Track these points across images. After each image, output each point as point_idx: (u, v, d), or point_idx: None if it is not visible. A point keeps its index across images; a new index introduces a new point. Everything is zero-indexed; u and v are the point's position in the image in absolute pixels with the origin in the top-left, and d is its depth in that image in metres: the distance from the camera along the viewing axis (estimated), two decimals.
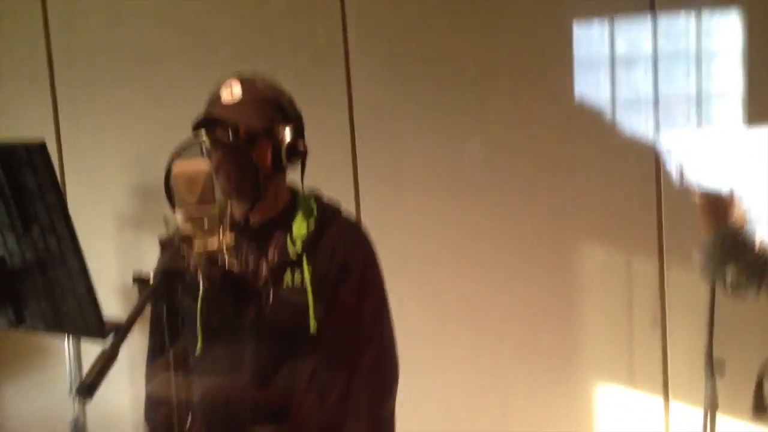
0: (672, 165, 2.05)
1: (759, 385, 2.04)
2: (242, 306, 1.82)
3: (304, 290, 1.83)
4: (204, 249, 1.50)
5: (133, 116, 3.08)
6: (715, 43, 3.04)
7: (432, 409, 3.06)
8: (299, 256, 1.85)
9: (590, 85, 3.08)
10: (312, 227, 1.87)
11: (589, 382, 3.13)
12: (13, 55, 3.11)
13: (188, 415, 1.73)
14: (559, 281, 3.11)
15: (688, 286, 2.92)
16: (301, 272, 1.84)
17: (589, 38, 3.07)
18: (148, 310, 1.80)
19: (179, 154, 1.68)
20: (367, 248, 1.95)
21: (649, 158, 2.99)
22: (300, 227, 1.87)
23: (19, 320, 1.64)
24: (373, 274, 1.95)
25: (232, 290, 1.65)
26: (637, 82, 3.07)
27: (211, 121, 1.79)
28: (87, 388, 1.22)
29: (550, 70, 3.07)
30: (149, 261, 1.47)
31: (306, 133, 1.91)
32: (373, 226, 2.00)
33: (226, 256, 1.54)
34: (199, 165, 1.57)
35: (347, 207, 2.01)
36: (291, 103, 1.89)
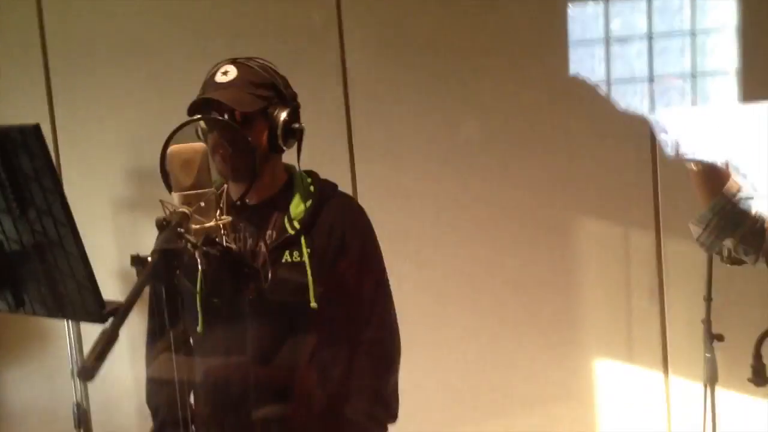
0: (667, 140, 2.05)
1: (757, 356, 2.05)
2: (242, 285, 1.83)
3: (304, 268, 1.84)
4: (201, 229, 1.51)
5: (128, 101, 3.07)
6: (709, 21, 3.04)
7: (431, 386, 3.08)
8: (297, 234, 1.86)
9: (585, 63, 3.08)
10: (310, 205, 1.89)
11: (589, 357, 3.15)
12: (7, 42, 3.09)
13: (190, 395, 1.74)
14: (557, 257, 3.12)
15: (686, 259, 2.94)
16: (300, 250, 1.85)
17: (584, 17, 3.07)
18: (146, 293, 1.81)
19: (174, 136, 1.68)
20: (365, 225, 1.97)
21: (645, 133, 3.00)
22: (297, 206, 1.89)
23: (18, 304, 1.65)
24: (371, 249, 1.97)
25: (231, 270, 1.66)
26: (631, 59, 3.07)
27: (207, 103, 1.79)
28: (88, 369, 1.22)
29: (546, 48, 3.07)
30: (147, 244, 1.47)
31: (301, 115, 1.91)
32: (370, 206, 2.01)
33: (224, 236, 1.55)
34: (194, 147, 1.57)
35: (344, 187, 2.02)
36: (286, 84, 1.89)
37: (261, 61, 1.87)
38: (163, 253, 1.38)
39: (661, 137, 2.06)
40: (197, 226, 1.51)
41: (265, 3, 3.08)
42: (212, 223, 1.53)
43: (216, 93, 1.79)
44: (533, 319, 3.12)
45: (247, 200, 1.86)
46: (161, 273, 1.39)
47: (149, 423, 1.96)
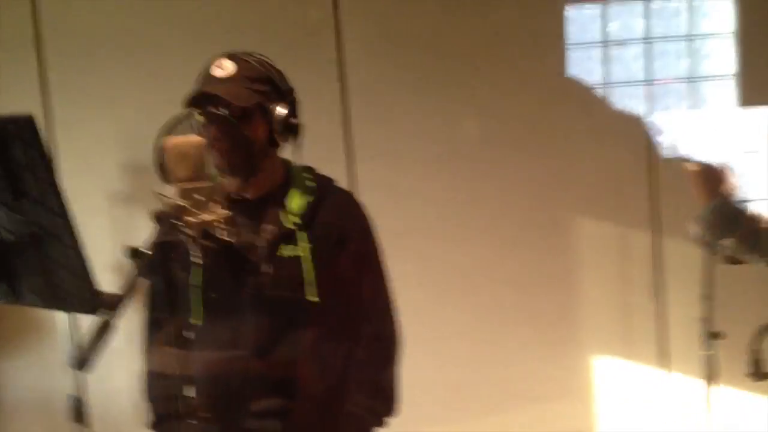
0: (664, 141, 2.06)
1: (754, 350, 2.05)
2: (240, 279, 1.83)
3: (302, 262, 1.84)
4: (199, 222, 1.50)
5: (124, 95, 3.07)
6: (707, 26, 3.05)
7: (429, 382, 3.08)
8: (296, 229, 1.86)
9: (583, 65, 3.09)
10: (310, 199, 1.89)
11: (587, 355, 3.15)
12: (3, 35, 3.09)
13: (187, 390, 1.74)
14: (556, 256, 3.13)
15: (685, 257, 2.94)
16: (299, 244, 1.85)
17: (583, 19, 3.07)
18: (143, 286, 1.81)
19: (170, 130, 1.68)
20: (364, 218, 1.98)
21: (642, 134, 3.00)
22: (295, 200, 1.89)
23: (14, 295, 1.64)
24: (370, 243, 1.97)
25: (229, 263, 1.66)
26: (629, 62, 3.08)
27: (205, 97, 1.79)
28: (83, 360, 1.22)
29: (544, 49, 3.08)
30: (142, 238, 1.47)
31: (299, 110, 1.91)
32: (367, 203, 2.01)
33: (222, 230, 1.55)
34: (191, 140, 1.58)
35: (341, 183, 2.02)
36: (283, 79, 1.89)
37: (258, 56, 1.87)
38: (158, 245, 1.38)
39: (658, 138, 2.07)
40: (194, 220, 1.51)
41: None
42: (209, 217, 1.53)
43: (213, 87, 1.79)
44: (532, 316, 3.13)
45: (244, 195, 1.86)
46: (157, 265, 1.39)
47: (146, 416, 1.96)
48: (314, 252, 1.85)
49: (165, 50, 3.04)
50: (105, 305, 1.47)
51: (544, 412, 3.14)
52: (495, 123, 3.09)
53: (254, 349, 1.87)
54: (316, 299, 1.84)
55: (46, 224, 1.48)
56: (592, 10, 3.07)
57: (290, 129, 1.86)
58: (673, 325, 3.10)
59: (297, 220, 1.87)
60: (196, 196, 1.51)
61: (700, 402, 2.50)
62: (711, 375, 2.45)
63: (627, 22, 3.07)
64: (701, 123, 2.02)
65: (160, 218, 1.49)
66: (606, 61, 3.08)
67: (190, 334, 1.90)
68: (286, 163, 1.95)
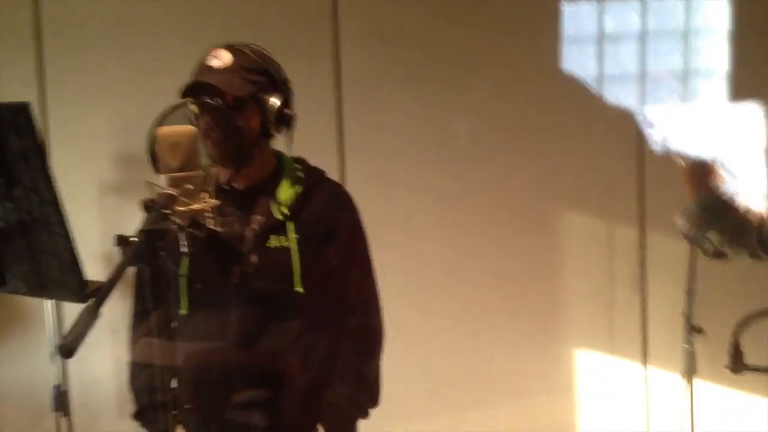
0: (654, 135, 2.08)
1: (735, 342, 2.09)
2: (227, 268, 1.84)
3: (290, 253, 1.85)
4: (187, 211, 1.51)
5: (120, 85, 3.05)
6: (701, 22, 3.08)
7: (413, 374, 3.10)
8: (285, 220, 1.87)
9: (577, 60, 3.10)
10: (299, 190, 1.89)
11: (570, 348, 3.18)
12: (0, 23, 3.07)
13: (173, 379, 1.74)
14: (541, 249, 3.15)
15: (669, 252, 2.98)
16: (287, 235, 1.86)
17: (578, 14, 3.09)
18: (130, 275, 1.81)
19: (164, 118, 1.69)
20: (353, 211, 1.98)
21: (632, 129, 3.03)
22: (286, 191, 1.90)
23: (0, 281, 1.64)
24: (358, 236, 1.98)
25: (216, 252, 1.66)
26: (623, 57, 3.10)
27: (200, 87, 1.80)
28: (67, 347, 1.22)
29: (538, 45, 3.09)
30: (132, 228, 1.47)
31: (293, 102, 1.91)
32: (358, 196, 2.02)
33: (211, 219, 1.55)
34: (183, 129, 1.57)
35: (332, 177, 2.03)
36: (279, 70, 1.90)
37: (255, 47, 1.88)
38: (147, 233, 1.39)
39: (649, 132, 2.09)
40: (183, 209, 1.51)
41: None
42: (198, 206, 1.53)
43: (208, 77, 1.79)
44: (516, 309, 3.15)
45: (235, 185, 1.87)
46: (145, 254, 1.39)
47: (129, 406, 1.96)
48: (302, 243, 1.86)
49: (160, 42, 3.03)
50: (92, 294, 1.47)
51: (527, 405, 3.17)
52: (486, 117, 3.10)
53: (239, 339, 1.87)
54: (302, 290, 1.85)
55: (37, 212, 1.48)
56: (586, 6, 3.09)
57: (284, 120, 1.86)
58: (655, 320, 3.13)
59: (286, 210, 1.87)
60: (186, 185, 1.51)
61: (681, 396, 2.53)
62: (691, 369, 2.48)
63: (622, 17, 3.08)
64: (692, 117, 2.05)
65: (149, 206, 1.49)
66: (600, 56, 3.09)
67: (176, 324, 1.91)
68: (278, 154, 1.96)
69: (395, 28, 3.07)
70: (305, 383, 1.91)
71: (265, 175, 1.92)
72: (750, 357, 2.13)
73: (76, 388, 2.96)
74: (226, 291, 1.85)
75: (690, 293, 2.48)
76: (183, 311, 1.87)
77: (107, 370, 2.99)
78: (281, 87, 1.88)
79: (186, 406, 1.87)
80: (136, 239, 1.41)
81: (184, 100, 1.79)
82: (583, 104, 3.10)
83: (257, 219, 1.87)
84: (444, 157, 3.10)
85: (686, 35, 3.07)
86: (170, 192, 1.50)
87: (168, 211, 1.47)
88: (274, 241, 1.86)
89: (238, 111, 1.80)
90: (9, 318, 3.12)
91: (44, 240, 1.54)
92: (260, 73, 1.84)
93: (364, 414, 1.96)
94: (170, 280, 1.79)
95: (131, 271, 1.56)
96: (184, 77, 1.83)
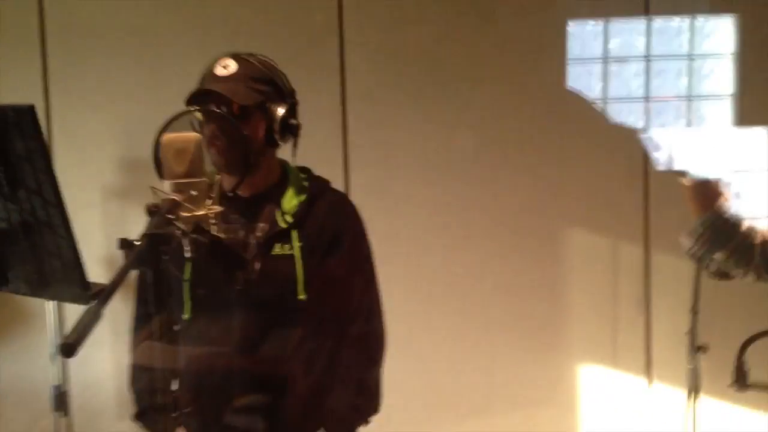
0: (659, 156, 2.08)
1: (740, 361, 2.08)
2: (230, 275, 1.84)
3: (293, 261, 1.85)
4: (191, 217, 1.51)
5: (124, 90, 3.07)
6: (707, 46, 3.08)
7: (415, 384, 3.09)
8: (289, 228, 1.87)
9: (582, 80, 3.11)
10: (304, 199, 1.90)
11: (573, 364, 3.17)
12: (5, 26, 3.09)
13: (173, 383, 1.74)
14: (547, 265, 3.14)
15: (673, 270, 2.97)
16: (291, 243, 1.86)
17: (584, 35, 3.10)
18: (133, 278, 1.81)
19: (170, 125, 1.69)
20: (357, 221, 1.99)
21: (638, 149, 3.03)
22: (290, 200, 1.90)
23: (2, 282, 1.65)
24: (362, 245, 1.98)
25: (219, 259, 1.66)
26: (629, 79, 3.11)
27: (206, 95, 1.80)
28: (69, 346, 1.21)
29: (544, 63, 3.10)
30: (135, 232, 1.47)
31: (299, 112, 1.92)
32: (362, 207, 2.02)
33: (214, 226, 1.55)
34: (188, 136, 1.58)
35: (336, 188, 2.03)
36: (285, 80, 1.90)
37: (261, 57, 1.89)
38: (151, 237, 1.38)
39: (654, 154, 2.09)
40: (187, 214, 1.51)
41: (267, 0, 3.09)
42: (202, 212, 1.53)
43: (215, 85, 1.80)
44: (520, 324, 3.14)
45: (239, 192, 1.87)
46: (148, 257, 1.39)
47: (129, 407, 1.96)
48: (305, 251, 1.86)
49: (167, 50, 3.04)
50: (94, 295, 1.47)
51: (529, 419, 3.16)
52: (490, 134, 3.10)
53: (241, 345, 1.87)
54: (305, 298, 1.85)
55: (40, 214, 1.49)
56: (593, 27, 3.09)
57: (289, 130, 1.87)
58: (659, 338, 3.12)
59: (290, 219, 1.88)
60: (190, 191, 1.51)
61: (684, 414, 2.52)
62: (695, 387, 2.47)
63: (628, 39, 3.09)
64: (697, 141, 2.05)
65: (153, 211, 1.49)
66: (606, 77, 3.10)
67: (178, 328, 1.91)
68: (282, 164, 1.96)
69: (400, 43, 3.08)
70: (306, 389, 1.91)
71: (269, 183, 1.92)
72: (754, 376, 2.12)
73: (76, 389, 2.96)
74: (229, 297, 1.85)
75: (694, 312, 2.47)
76: (186, 316, 1.87)
77: (107, 372, 2.99)
78: (287, 97, 1.88)
79: (186, 410, 1.87)
80: (139, 243, 1.41)
81: (189, 107, 1.79)
82: (587, 124, 3.10)
83: (261, 226, 1.87)
84: (447, 171, 3.11)
85: (691, 58, 3.07)
86: (174, 198, 1.50)
87: (172, 217, 1.47)
88: (278, 249, 1.86)
89: (243, 120, 1.81)
90: (10, 318, 3.13)
91: (47, 241, 1.55)
92: (266, 82, 1.85)
93: (365, 421, 1.96)
94: (173, 285, 1.79)
95: (134, 274, 1.57)
96: (189, 84, 1.84)
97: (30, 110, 1.41)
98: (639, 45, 3.08)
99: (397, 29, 3.08)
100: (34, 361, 3.05)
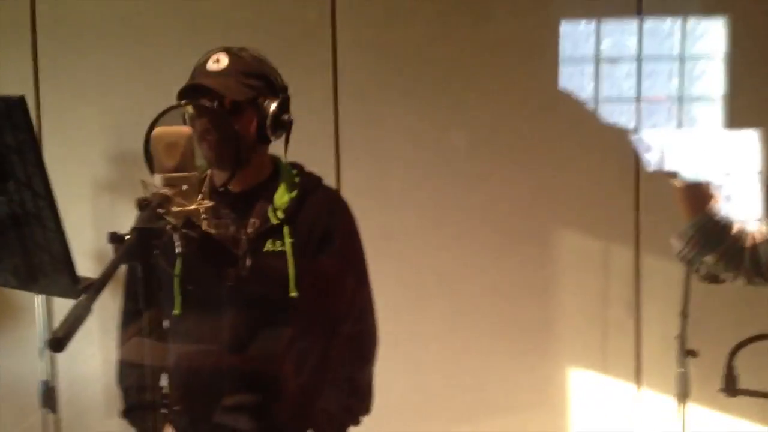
0: (650, 158, 2.09)
1: (729, 366, 2.08)
2: (220, 271, 1.83)
3: (285, 257, 1.84)
4: (182, 212, 1.50)
5: (115, 85, 3.07)
6: (697, 48, 3.10)
7: (405, 384, 3.09)
8: (281, 224, 1.86)
9: (574, 80, 3.12)
10: (295, 195, 1.89)
11: (562, 367, 3.17)
12: None
13: (161, 379, 1.73)
14: (537, 266, 3.15)
15: (664, 274, 2.98)
16: (283, 240, 1.85)
17: (576, 35, 3.11)
18: (123, 273, 1.80)
19: (161, 119, 1.68)
20: (349, 218, 1.98)
21: (629, 151, 3.03)
22: (282, 196, 1.89)
23: None
24: (354, 242, 1.98)
25: (210, 254, 1.65)
26: (620, 80, 3.12)
27: (197, 89, 1.79)
28: (57, 341, 1.21)
29: (536, 62, 3.10)
30: (124, 226, 1.47)
31: (291, 107, 1.91)
32: (353, 205, 2.01)
33: (205, 221, 1.55)
34: (180, 130, 1.57)
35: (328, 184, 2.02)
36: (277, 75, 1.90)
37: (254, 52, 1.88)
38: (141, 231, 1.38)
39: (645, 155, 2.10)
40: (178, 209, 1.50)
41: None
42: (193, 207, 1.52)
43: (207, 80, 1.79)
44: (510, 326, 3.14)
45: (230, 188, 1.86)
46: (138, 251, 1.38)
47: (117, 403, 1.95)
48: (297, 247, 1.85)
49: (158, 44, 3.04)
50: (84, 289, 1.46)
51: (517, 421, 3.16)
52: (483, 133, 3.11)
53: (231, 342, 1.86)
54: (297, 295, 1.84)
55: (30, 206, 1.48)
56: (586, 27, 3.10)
57: (281, 125, 1.86)
58: (649, 342, 3.13)
59: (282, 214, 1.87)
60: (181, 186, 1.51)
61: (673, 419, 2.52)
62: (684, 392, 2.47)
63: (620, 39, 3.10)
64: (688, 143, 2.06)
65: (143, 206, 1.49)
66: (597, 77, 3.11)
67: (168, 324, 1.90)
68: (274, 159, 1.96)
69: (393, 40, 3.08)
70: (297, 388, 1.90)
71: (261, 179, 1.92)
72: (744, 381, 2.12)
73: (64, 385, 2.95)
74: (220, 293, 1.85)
75: (684, 316, 2.48)
76: (176, 312, 1.86)
77: (96, 368, 2.98)
78: (279, 92, 1.88)
79: (175, 408, 1.87)
80: (129, 237, 1.40)
81: (181, 101, 1.79)
82: (579, 124, 3.11)
83: (252, 222, 1.87)
84: (439, 170, 3.11)
85: (683, 59, 3.08)
86: (165, 192, 1.49)
87: (162, 211, 1.46)
88: (269, 245, 1.85)
89: (235, 115, 1.80)
90: None
91: (36, 234, 1.53)
92: (258, 77, 1.84)
93: (356, 421, 1.95)
94: (163, 280, 1.79)
95: (123, 269, 1.56)
96: (181, 78, 1.83)
97: (20, 101, 1.40)
98: (631, 45, 3.09)
99: (389, 27, 3.08)
100: (22, 356, 3.04)
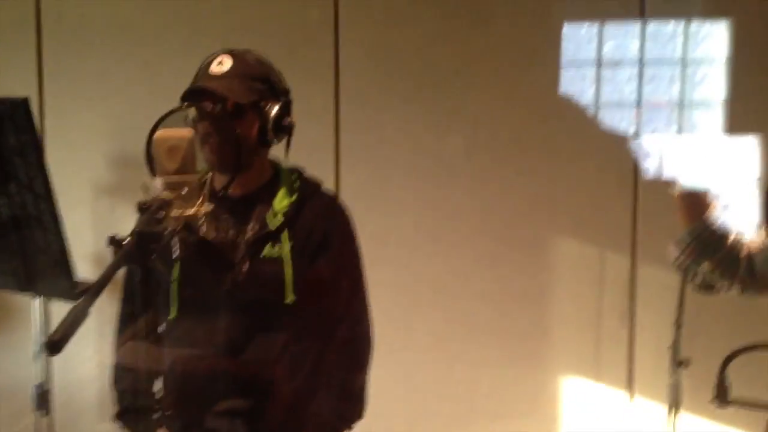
0: (649, 164, 2.09)
1: (721, 376, 2.09)
2: (218, 275, 1.83)
3: (282, 262, 1.84)
4: (181, 215, 1.51)
5: (118, 88, 3.06)
6: (700, 52, 3.10)
7: (398, 390, 3.09)
8: (279, 229, 1.86)
9: (575, 84, 3.11)
10: (294, 200, 1.89)
11: (555, 375, 3.17)
12: (1, 21, 3.08)
13: (156, 383, 1.74)
14: (532, 273, 3.15)
15: (659, 284, 2.98)
16: (280, 244, 1.85)
17: (577, 39, 3.11)
18: (120, 277, 1.80)
19: (163, 122, 1.68)
20: (347, 224, 1.98)
21: (628, 157, 3.04)
22: (281, 200, 1.89)
23: None
24: (351, 248, 1.98)
25: (208, 259, 1.66)
26: (621, 84, 3.11)
27: (200, 92, 1.80)
28: (54, 343, 1.21)
29: (537, 66, 3.10)
30: (124, 230, 1.47)
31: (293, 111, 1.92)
32: (351, 208, 2.02)
33: (204, 225, 1.55)
34: (181, 133, 1.57)
35: (326, 188, 2.03)
36: (280, 79, 1.90)
37: (257, 55, 1.88)
38: (140, 235, 1.38)
39: (644, 162, 2.11)
40: (177, 213, 1.51)
41: None
42: (192, 211, 1.53)
43: (210, 82, 1.79)
44: (504, 332, 3.14)
45: (230, 192, 1.86)
46: (137, 255, 1.39)
47: (111, 407, 1.95)
48: (295, 252, 1.86)
49: (161, 46, 3.04)
50: (82, 292, 1.46)
51: (510, 429, 3.15)
52: (482, 137, 3.11)
53: (226, 347, 1.86)
54: (293, 300, 1.84)
55: (30, 208, 1.48)
56: (588, 30, 3.10)
57: (283, 129, 1.87)
58: (642, 351, 3.13)
59: (280, 219, 1.87)
60: (181, 189, 1.51)
61: (665, 427, 2.53)
62: (676, 402, 2.48)
63: (622, 43, 3.10)
64: (688, 148, 2.06)
65: (143, 209, 1.49)
66: (598, 81, 3.11)
67: (163, 328, 1.90)
68: (274, 164, 1.96)
69: (395, 44, 3.08)
70: (290, 393, 1.90)
71: (261, 183, 1.92)
72: (735, 391, 2.13)
73: (59, 388, 2.94)
74: (217, 298, 1.85)
75: (678, 325, 2.48)
76: (172, 316, 1.86)
77: (90, 371, 2.97)
78: (281, 95, 1.88)
79: (168, 412, 1.87)
80: (128, 240, 1.40)
81: (184, 104, 1.79)
82: (579, 130, 3.11)
83: (251, 227, 1.87)
84: (438, 174, 3.11)
85: (684, 64, 3.09)
86: (165, 195, 1.50)
87: (162, 215, 1.46)
88: (268, 250, 1.85)
89: (237, 118, 1.80)
90: None
91: (36, 236, 1.54)
92: (261, 80, 1.84)
93: (348, 426, 1.95)
94: (161, 284, 1.79)
95: (122, 272, 1.56)
96: (183, 81, 1.83)
97: (24, 103, 1.41)
98: (632, 49, 3.08)
99: (391, 31, 3.09)
100: (17, 358, 3.03)
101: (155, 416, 1.54)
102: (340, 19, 3.06)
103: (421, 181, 3.11)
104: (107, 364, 1.97)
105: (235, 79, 1.80)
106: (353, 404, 1.96)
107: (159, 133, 1.56)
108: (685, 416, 2.59)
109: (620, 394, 3.17)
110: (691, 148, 2.07)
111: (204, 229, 1.56)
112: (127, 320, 1.94)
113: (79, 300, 1.29)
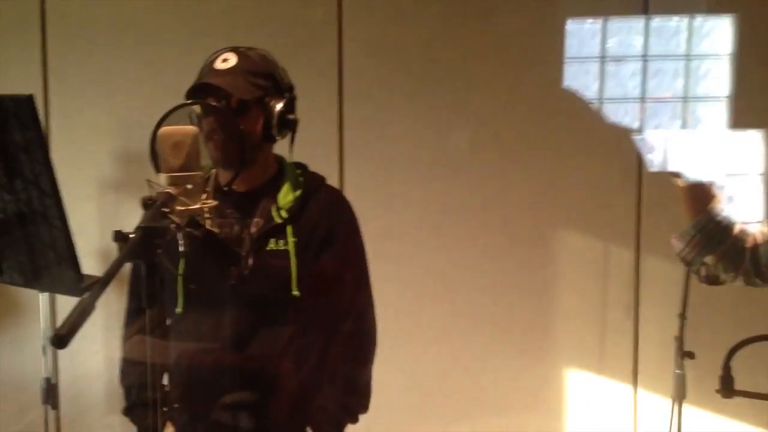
0: (653, 158, 2.09)
1: (726, 367, 2.09)
2: (224, 270, 1.84)
3: (287, 256, 1.85)
4: (186, 211, 1.51)
5: (123, 85, 3.07)
6: (703, 47, 3.10)
7: (403, 383, 3.10)
8: (284, 223, 1.87)
9: (579, 79, 3.11)
10: (299, 194, 1.90)
11: (560, 367, 3.18)
12: (6, 18, 3.09)
13: (164, 377, 1.74)
14: (537, 266, 3.16)
15: (663, 276, 2.99)
16: (286, 239, 1.86)
17: (581, 35, 3.11)
18: (126, 272, 1.81)
19: (168, 118, 1.69)
20: (351, 218, 1.99)
21: (632, 151, 3.04)
22: (286, 195, 1.90)
23: None
24: (355, 242, 1.99)
25: (213, 253, 1.66)
26: (625, 79, 3.11)
27: (205, 88, 1.80)
28: (61, 337, 1.22)
29: (541, 62, 3.10)
30: (130, 225, 1.48)
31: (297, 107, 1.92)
32: (356, 204, 2.02)
33: (209, 220, 1.56)
34: (186, 129, 1.58)
35: (331, 183, 2.04)
36: (284, 75, 1.91)
37: (261, 51, 1.89)
38: (145, 230, 1.39)
39: (648, 155, 2.10)
40: (182, 208, 1.52)
41: None
42: (197, 206, 1.54)
43: (214, 79, 1.80)
44: (508, 325, 3.15)
45: (235, 187, 1.87)
46: (142, 250, 1.40)
47: (119, 401, 1.96)
48: (300, 247, 1.86)
49: (165, 44, 3.05)
50: (88, 287, 1.47)
51: (515, 422, 3.17)
52: (486, 132, 3.12)
53: (232, 341, 1.87)
54: (298, 294, 1.85)
55: (36, 205, 1.49)
56: (591, 25, 3.10)
57: (286, 125, 1.87)
58: (647, 343, 3.14)
59: (285, 214, 1.88)
60: (186, 185, 1.52)
61: (669, 420, 2.54)
62: (681, 393, 2.48)
63: (626, 38, 3.10)
64: (692, 142, 2.06)
65: (148, 204, 1.50)
66: (602, 76, 3.11)
67: (170, 322, 1.91)
68: (278, 159, 1.97)
69: (398, 41, 3.09)
70: (296, 386, 1.91)
71: (265, 178, 1.93)
72: (740, 383, 2.13)
73: (66, 382, 2.96)
74: (223, 292, 1.86)
75: (682, 317, 2.49)
76: (179, 310, 1.87)
77: (97, 365, 2.99)
78: (286, 91, 1.88)
79: (175, 405, 1.88)
80: (133, 235, 1.41)
81: (188, 100, 1.80)
82: (583, 125, 3.11)
83: (256, 221, 1.88)
84: (442, 170, 3.12)
85: (688, 58, 3.08)
86: (170, 191, 1.50)
87: (167, 210, 1.47)
88: (272, 244, 1.86)
89: (242, 114, 1.81)
90: (2, 309, 3.13)
91: (42, 232, 1.55)
92: (266, 77, 1.85)
93: (353, 419, 1.97)
94: (166, 279, 1.80)
95: (128, 267, 1.57)
96: (188, 78, 1.84)
97: (29, 100, 1.41)
98: (636, 44, 3.08)
99: (396, 25, 3.09)
100: (25, 353, 3.05)
101: (163, 410, 1.55)
102: (343, 16, 3.07)
103: (424, 176, 3.12)
104: (114, 358, 1.98)
105: (239, 75, 1.81)
106: (358, 397, 1.97)
107: (163, 130, 1.57)
108: (689, 408, 2.60)
109: (625, 386, 3.17)
110: (695, 143, 2.06)
111: (209, 224, 1.56)
112: (134, 315, 1.96)
113: (85, 295, 1.30)
